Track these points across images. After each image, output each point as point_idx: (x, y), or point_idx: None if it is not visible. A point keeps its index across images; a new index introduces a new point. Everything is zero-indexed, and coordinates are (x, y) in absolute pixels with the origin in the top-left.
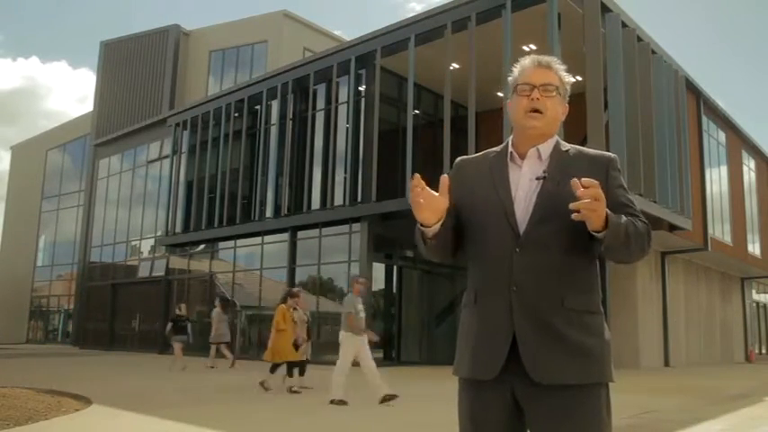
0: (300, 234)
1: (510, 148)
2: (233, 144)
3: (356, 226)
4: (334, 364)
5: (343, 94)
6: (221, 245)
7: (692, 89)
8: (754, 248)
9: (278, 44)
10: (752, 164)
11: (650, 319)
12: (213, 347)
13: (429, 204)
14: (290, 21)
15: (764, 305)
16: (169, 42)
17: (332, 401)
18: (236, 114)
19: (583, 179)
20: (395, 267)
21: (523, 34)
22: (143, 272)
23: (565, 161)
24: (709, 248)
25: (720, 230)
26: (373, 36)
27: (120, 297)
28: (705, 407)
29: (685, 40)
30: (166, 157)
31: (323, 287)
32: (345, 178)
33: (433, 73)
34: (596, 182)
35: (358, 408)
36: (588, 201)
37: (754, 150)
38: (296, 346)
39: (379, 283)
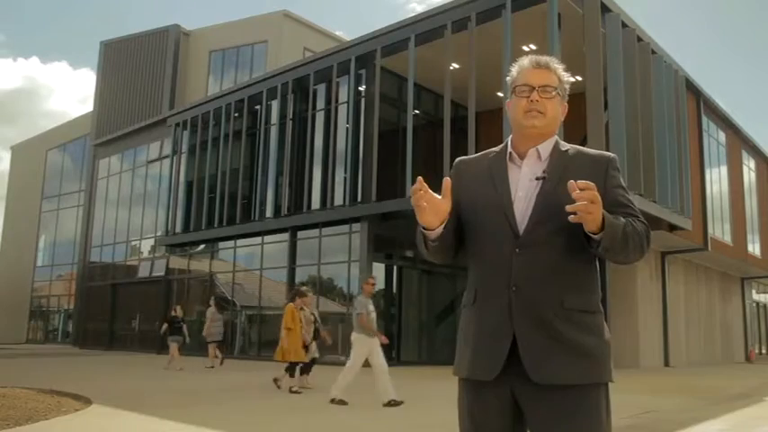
0: (300, 234)
1: (509, 149)
2: (233, 144)
3: (356, 226)
4: (334, 364)
5: (343, 94)
6: (221, 245)
7: (692, 89)
8: (754, 248)
9: (278, 44)
10: (752, 164)
11: (650, 319)
12: (210, 347)
13: (432, 207)
14: (290, 21)
15: (764, 305)
16: (169, 42)
17: (332, 400)
18: (236, 114)
19: (579, 181)
20: (395, 267)
21: (523, 34)
22: (143, 272)
23: (564, 161)
24: (709, 248)
25: (720, 230)
26: (373, 36)
27: (120, 297)
28: (705, 407)
29: (685, 40)
30: (166, 157)
31: (323, 287)
32: (345, 178)
33: (433, 73)
34: (592, 184)
35: (358, 408)
36: (584, 203)
37: (754, 150)
38: (305, 347)
39: (379, 283)
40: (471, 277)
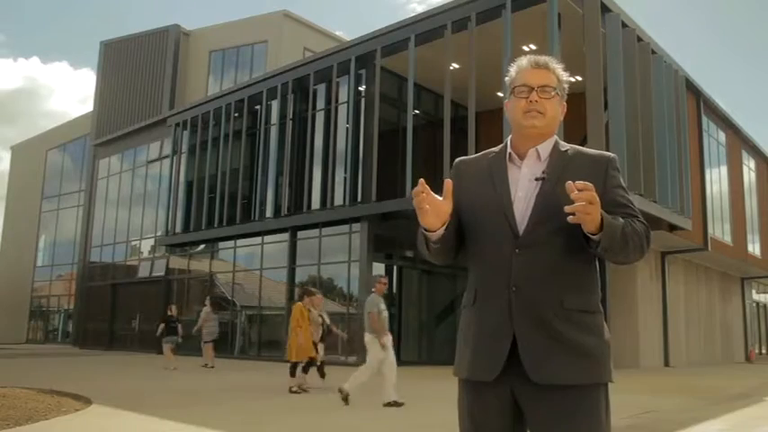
0: (300, 234)
1: (509, 149)
2: (233, 144)
3: (356, 226)
4: (334, 364)
5: (343, 94)
6: (221, 245)
7: (692, 89)
8: (754, 248)
9: (278, 44)
10: (752, 164)
11: (650, 319)
12: (208, 347)
13: (433, 209)
14: (290, 21)
15: (764, 305)
16: (169, 42)
17: (339, 390)
18: (236, 114)
19: (577, 182)
20: (395, 267)
21: (523, 34)
22: (143, 272)
23: (564, 161)
24: (709, 248)
25: (720, 230)
26: (373, 36)
27: (120, 297)
28: (705, 407)
29: (685, 40)
30: (166, 157)
31: (323, 287)
32: (345, 178)
33: (433, 73)
34: (590, 184)
35: (358, 408)
36: (582, 204)
37: (754, 150)
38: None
39: None
40: (471, 277)
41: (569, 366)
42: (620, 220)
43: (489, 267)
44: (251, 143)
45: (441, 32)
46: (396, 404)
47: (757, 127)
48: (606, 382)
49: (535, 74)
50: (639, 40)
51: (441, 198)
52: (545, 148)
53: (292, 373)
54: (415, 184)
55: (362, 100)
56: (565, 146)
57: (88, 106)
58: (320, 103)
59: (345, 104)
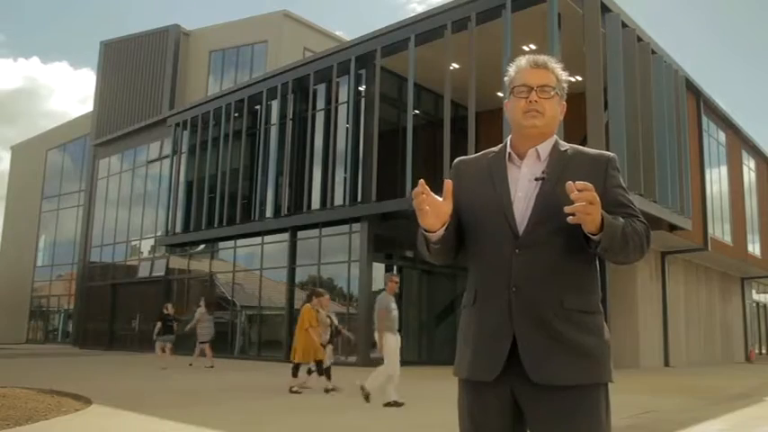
0: (300, 234)
1: (509, 149)
2: (233, 144)
3: (356, 226)
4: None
5: (343, 94)
6: (221, 245)
7: (692, 89)
8: (754, 248)
9: (278, 44)
10: (752, 164)
11: (650, 319)
12: (206, 347)
13: (434, 210)
14: (290, 21)
15: (764, 305)
16: (169, 42)
17: (362, 387)
18: (236, 114)
19: (577, 182)
20: (395, 267)
21: (523, 34)
22: (143, 272)
23: (564, 161)
24: (709, 248)
25: (720, 230)
26: (373, 36)
27: (120, 297)
28: (705, 407)
29: (685, 40)
30: (166, 157)
31: (323, 287)
32: (345, 178)
33: (433, 73)
34: (591, 185)
35: (358, 408)
36: (583, 204)
37: (754, 150)
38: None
39: (378, 283)
40: (471, 278)
41: (569, 366)
42: (621, 219)
43: (489, 267)
44: (251, 143)
45: (441, 32)
46: (396, 404)
47: (757, 127)
48: (606, 382)
49: (534, 74)
50: (639, 40)
51: (440, 199)
52: (545, 148)
53: (294, 374)
54: (415, 184)
55: (362, 100)
56: (564, 145)
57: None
58: (320, 103)
59: (345, 104)
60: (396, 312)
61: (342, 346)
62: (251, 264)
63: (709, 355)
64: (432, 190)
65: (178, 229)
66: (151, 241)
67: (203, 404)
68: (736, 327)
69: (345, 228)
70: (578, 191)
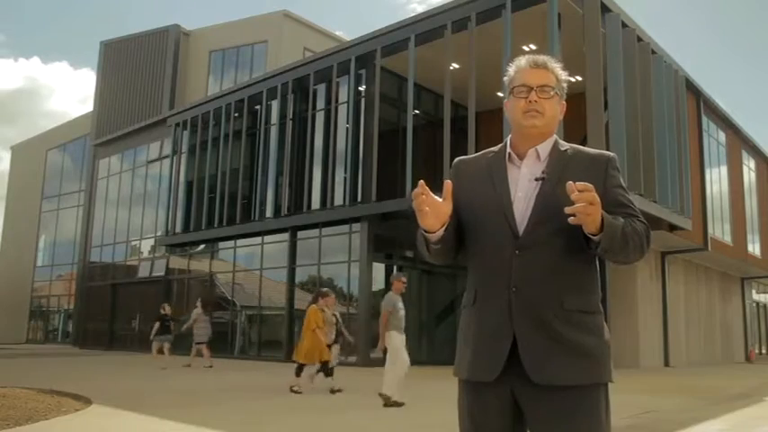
0: (300, 234)
1: (508, 149)
2: (233, 144)
3: (356, 226)
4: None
5: (343, 94)
6: (221, 245)
7: (692, 89)
8: (754, 248)
9: (278, 44)
10: (752, 164)
11: (650, 319)
12: (203, 347)
13: (433, 211)
14: (290, 21)
15: (764, 305)
16: (169, 42)
17: (380, 395)
18: (236, 114)
19: (578, 183)
20: (395, 267)
21: (523, 34)
22: (143, 272)
23: (564, 161)
24: (709, 248)
25: (720, 230)
26: (373, 36)
27: (120, 297)
28: (705, 407)
29: (685, 40)
30: (166, 157)
31: (323, 287)
32: (345, 178)
33: (433, 73)
34: (591, 186)
35: (358, 408)
36: (583, 204)
37: (754, 150)
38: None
39: (378, 283)
40: (471, 278)
41: (569, 367)
42: (621, 220)
43: (489, 268)
44: (251, 143)
45: (441, 32)
46: (396, 404)
47: (757, 127)
48: (606, 382)
49: (534, 74)
50: (639, 40)
51: (440, 199)
52: (544, 148)
53: (298, 374)
54: (415, 184)
55: (362, 100)
56: (564, 145)
57: (88, 106)
58: (320, 103)
59: (345, 104)
60: (403, 312)
61: (343, 346)
62: (251, 264)
63: (710, 355)
64: (432, 190)
65: (178, 229)
66: (151, 241)
67: (203, 404)
68: (736, 327)
69: (345, 228)
70: (579, 191)
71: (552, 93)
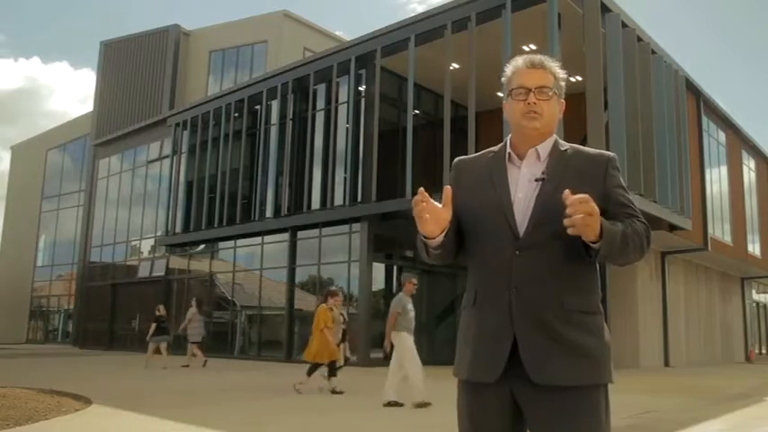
0: (300, 234)
1: (508, 149)
2: (233, 144)
3: (356, 226)
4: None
5: (343, 94)
6: (221, 245)
7: (692, 89)
8: (754, 248)
9: (278, 44)
10: (752, 164)
11: (650, 319)
12: (194, 347)
13: (433, 217)
14: (290, 21)
15: (764, 305)
16: (169, 42)
17: (417, 405)
18: (236, 114)
19: (577, 196)
20: (395, 267)
21: (523, 34)
22: (143, 272)
23: (564, 161)
24: (709, 248)
25: (720, 230)
26: (373, 36)
27: (120, 297)
28: (705, 407)
29: (685, 40)
30: (166, 157)
31: (323, 287)
32: (345, 178)
33: (433, 73)
34: (588, 196)
35: (358, 408)
36: (581, 216)
37: (754, 150)
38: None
39: (379, 283)
40: (471, 278)
41: (570, 367)
42: (620, 225)
43: (489, 268)
44: (251, 143)
45: (441, 32)
46: (396, 404)
47: (757, 127)
48: (606, 382)
49: (531, 75)
50: (639, 40)
51: (440, 205)
52: (544, 148)
53: (310, 374)
54: (415, 183)
55: (362, 100)
56: (564, 145)
57: (88, 106)
58: (320, 103)
59: (345, 104)
60: (413, 313)
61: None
62: (251, 264)
63: (710, 355)
64: (431, 190)
65: (178, 229)
66: (151, 241)
67: (203, 404)
68: (736, 327)
69: (345, 228)
70: (579, 202)
71: (551, 93)
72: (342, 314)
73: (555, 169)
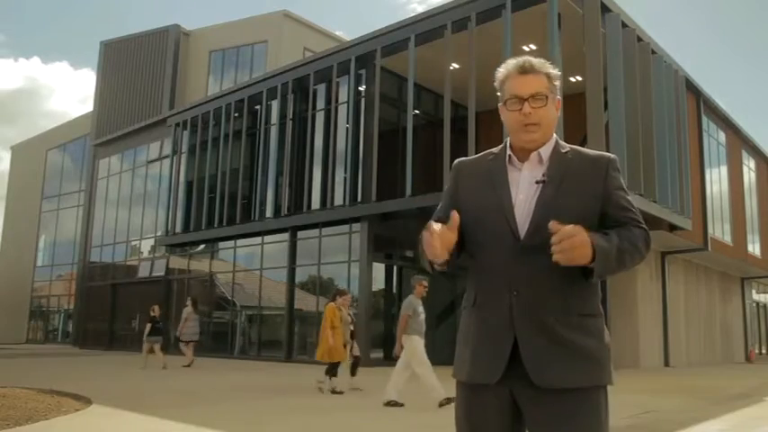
0: (300, 234)
1: (509, 151)
2: (233, 144)
3: (356, 226)
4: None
5: (343, 94)
6: (221, 245)
7: (692, 89)
8: (754, 248)
9: (278, 44)
10: (752, 164)
11: (650, 319)
12: (183, 345)
13: (442, 244)
14: (290, 21)
15: (764, 305)
16: (169, 42)
17: (440, 404)
18: (236, 114)
19: (564, 229)
20: (395, 267)
21: (523, 34)
22: (143, 272)
23: (564, 163)
24: (709, 248)
25: (720, 230)
26: (373, 36)
27: (120, 297)
28: (705, 407)
29: (685, 40)
30: (166, 157)
31: (323, 287)
32: (345, 178)
33: (433, 73)
34: (574, 229)
35: (358, 408)
36: (569, 249)
37: (754, 150)
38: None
39: (379, 283)
40: (471, 279)
41: (571, 369)
42: (614, 238)
43: (490, 270)
44: (251, 143)
45: (441, 32)
46: (396, 404)
47: (757, 127)
48: (606, 384)
49: (523, 82)
50: (639, 40)
51: (448, 231)
52: (545, 151)
53: (333, 374)
54: (415, 184)
55: (362, 100)
56: (565, 147)
57: (88, 106)
58: (320, 103)
59: (345, 104)
60: (423, 316)
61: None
62: (251, 264)
63: (709, 355)
64: (431, 190)
65: (178, 229)
66: (151, 241)
67: (203, 404)
68: (736, 327)
69: (345, 228)
70: (566, 238)
71: (545, 99)
72: (350, 314)
73: (556, 171)
